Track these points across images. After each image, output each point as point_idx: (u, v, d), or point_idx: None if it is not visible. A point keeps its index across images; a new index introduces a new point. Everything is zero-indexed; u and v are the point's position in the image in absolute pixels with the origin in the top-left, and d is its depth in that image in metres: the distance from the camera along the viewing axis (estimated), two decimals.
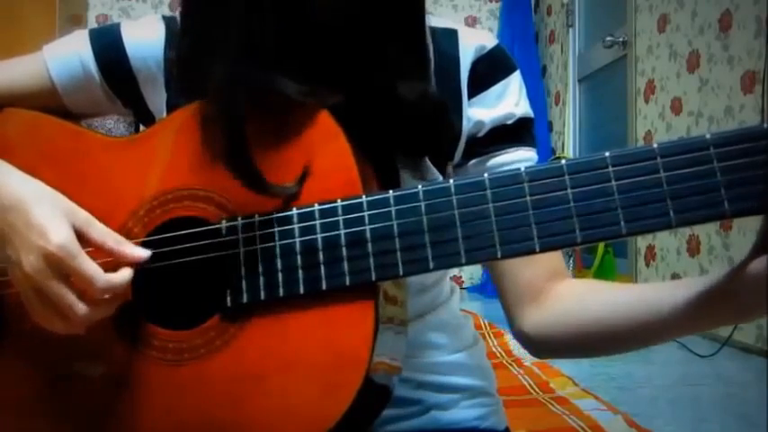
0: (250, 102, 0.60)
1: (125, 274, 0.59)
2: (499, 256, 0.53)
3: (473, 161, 0.73)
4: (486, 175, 0.54)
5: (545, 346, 0.69)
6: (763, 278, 0.51)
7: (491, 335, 2.66)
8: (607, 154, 0.52)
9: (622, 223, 0.51)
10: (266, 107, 0.61)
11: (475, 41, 0.73)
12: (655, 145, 0.51)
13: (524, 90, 0.75)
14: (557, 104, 4.47)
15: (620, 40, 3.47)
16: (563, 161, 0.53)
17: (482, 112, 0.72)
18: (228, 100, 0.59)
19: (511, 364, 2.26)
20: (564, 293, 0.68)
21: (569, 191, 0.52)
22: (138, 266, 0.60)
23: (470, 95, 0.72)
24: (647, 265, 3.15)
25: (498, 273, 0.72)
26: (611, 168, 0.51)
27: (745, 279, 0.52)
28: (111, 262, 0.60)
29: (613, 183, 0.51)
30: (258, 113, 0.61)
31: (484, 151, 0.73)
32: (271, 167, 0.59)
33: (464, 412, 0.77)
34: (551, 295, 0.68)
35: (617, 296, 0.63)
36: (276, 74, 0.60)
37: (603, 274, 3.34)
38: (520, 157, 0.72)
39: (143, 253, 0.60)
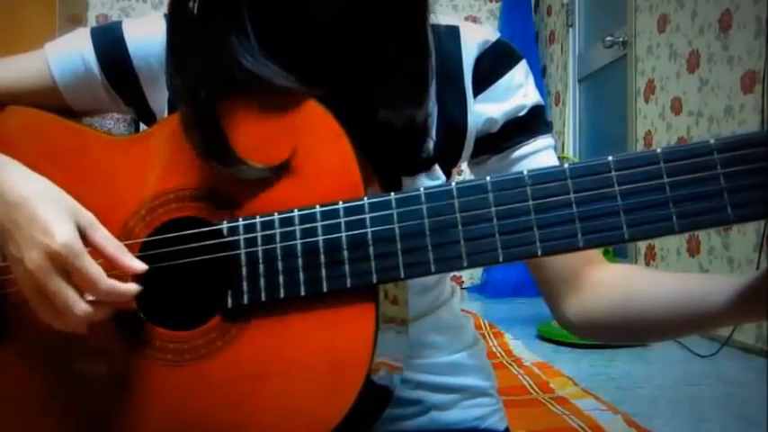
0: (236, 96, 0.61)
1: (131, 287, 0.59)
2: (501, 260, 0.53)
3: (493, 157, 0.73)
4: (488, 177, 0.54)
5: (589, 331, 0.70)
6: None
7: (491, 335, 2.67)
8: (610, 158, 0.51)
9: (625, 228, 0.51)
10: (267, 107, 0.61)
11: (477, 37, 0.72)
12: (658, 150, 0.50)
13: (531, 78, 0.75)
14: (557, 104, 4.46)
15: (620, 40, 3.46)
16: (566, 164, 0.52)
17: (492, 107, 0.72)
18: (195, 95, 0.61)
19: (511, 364, 2.26)
20: (605, 281, 0.68)
21: (572, 195, 0.52)
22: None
23: (476, 92, 0.72)
24: (648, 264, 3.15)
25: (535, 262, 0.71)
26: (614, 173, 0.51)
27: None
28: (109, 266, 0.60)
29: (616, 187, 0.51)
30: (258, 113, 0.61)
31: (503, 146, 0.72)
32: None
33: (464, 412, 0.77)
34: (591, 282, 0.68)
35: (659, 286, 0.63)
36: (267, 69, 0.61)
37: None
38: (540, 146, 0.72)
39: (140, 266, 0.60)
